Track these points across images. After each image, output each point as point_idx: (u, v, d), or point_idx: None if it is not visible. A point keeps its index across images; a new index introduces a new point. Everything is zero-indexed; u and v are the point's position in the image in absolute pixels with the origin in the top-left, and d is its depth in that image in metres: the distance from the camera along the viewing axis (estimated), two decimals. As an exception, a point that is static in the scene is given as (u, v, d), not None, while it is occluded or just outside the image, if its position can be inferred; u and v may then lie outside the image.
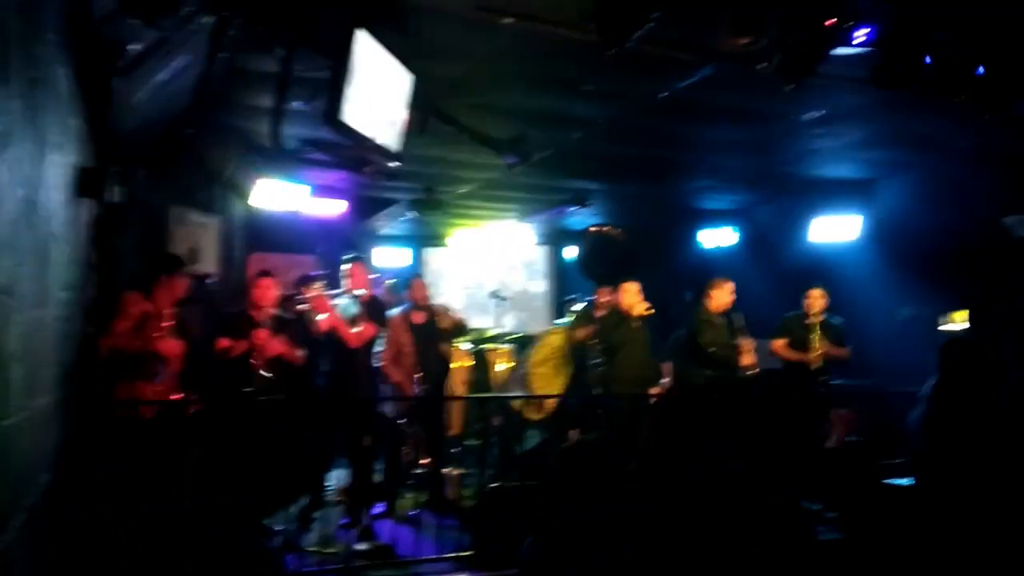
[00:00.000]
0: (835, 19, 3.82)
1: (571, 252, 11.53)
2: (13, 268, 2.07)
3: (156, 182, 5.96)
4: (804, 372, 6.74)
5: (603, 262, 8.22)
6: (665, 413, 2.65)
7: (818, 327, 6.79)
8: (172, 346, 5.03)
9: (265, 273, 5.86)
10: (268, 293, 5.62)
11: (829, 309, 6.91)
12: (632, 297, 6.54)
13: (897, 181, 7.80)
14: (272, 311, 5.62)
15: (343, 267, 5.95)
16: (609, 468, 2.24)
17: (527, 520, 2.42)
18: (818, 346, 6.72)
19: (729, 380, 6.36)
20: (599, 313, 7.38)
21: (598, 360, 6.86)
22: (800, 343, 6.84)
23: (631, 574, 1.89)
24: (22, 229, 2.18)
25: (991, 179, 6.60)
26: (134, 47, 3.29)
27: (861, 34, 4.03)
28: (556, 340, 7.39)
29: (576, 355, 7.25)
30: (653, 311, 6.48)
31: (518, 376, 7.65)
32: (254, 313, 5.54)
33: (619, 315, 6.57)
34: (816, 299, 6.84)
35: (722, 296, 6.62)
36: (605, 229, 8.88)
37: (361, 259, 6.12)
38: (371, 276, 6.34)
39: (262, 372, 5.43)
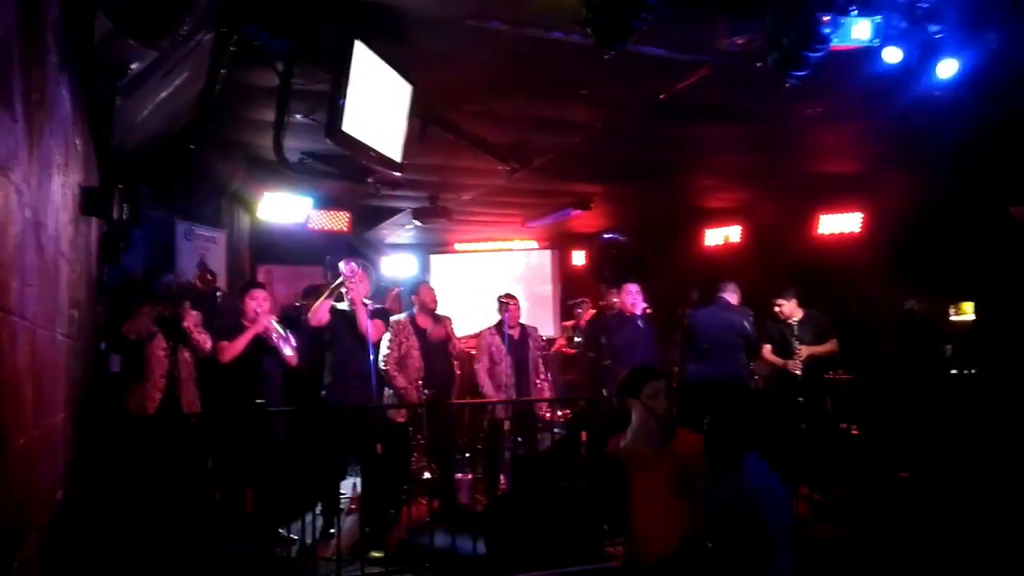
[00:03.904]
0: (830, 15, 3.83)
1: (580, 257, 11.63)
2: (22, 288, 2.10)
3: (162, 198, 6.01)
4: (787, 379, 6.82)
5: (612, 267, 8.30)
6: None
7: (796, 329, 6.82)
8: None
9: (255, 284, 5.89)
10: (260, 304, 5.64)
11: (806, 306, 6.97)
12: (632, 297, 6.54)
13: (900, 173, 7.79)
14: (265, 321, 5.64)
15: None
16: None
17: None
18: (801, 350, 6.76)
19: None
20: (611, 313, 7.45)
21: (607, 362, 6.90)
22: (783, 349, 6.89)
23: None
24: (30, 250, 2.22)
25: (997, 168, 6.59)
26: (136, 66, 3.33)
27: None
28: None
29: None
30: (651, 311, 6.50)
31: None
32: (247, 324, 5.58)
33: (621, 316, 6.59)
34: (782, 307, 6.88)
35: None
36: (614, 236, 8.97)
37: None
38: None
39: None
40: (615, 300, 7.44)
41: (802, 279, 7.27)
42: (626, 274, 7.48)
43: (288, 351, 5.64)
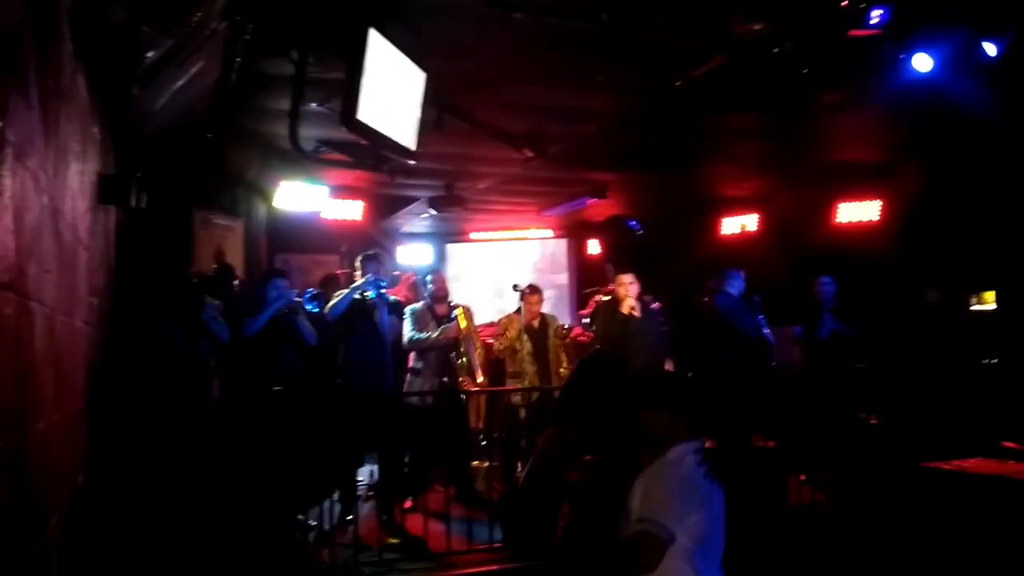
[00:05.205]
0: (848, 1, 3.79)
1: (596, 246, 11.58)
2: (39, 274, 2.12)
3: (180, 186, 6.04)
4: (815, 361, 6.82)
5: (620, 252, 8.20)
6: None
7: (829, 310, 6.83)
8: None
9: (279, 273, 5.97)
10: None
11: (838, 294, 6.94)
12: (623, 289, 6.18)
13: (919, 161, 7.69)
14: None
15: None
16: None
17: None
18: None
19: None
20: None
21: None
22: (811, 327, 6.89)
23: None
24: (47, 236, 2.24)
25: (1016, 154, 6.49)
26: (152, 55, 3.35)
27: (876, 15, 4.00)
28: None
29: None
30: (635, 309, 6.10)
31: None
32: None
33: (616, 307, 6.41)
34: (825, 286, 6.88)
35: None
36: (630, 221, 8.88)
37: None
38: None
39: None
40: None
41: (821, 268, 7.21)
42: (632, 262, 7.30)
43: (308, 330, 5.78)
